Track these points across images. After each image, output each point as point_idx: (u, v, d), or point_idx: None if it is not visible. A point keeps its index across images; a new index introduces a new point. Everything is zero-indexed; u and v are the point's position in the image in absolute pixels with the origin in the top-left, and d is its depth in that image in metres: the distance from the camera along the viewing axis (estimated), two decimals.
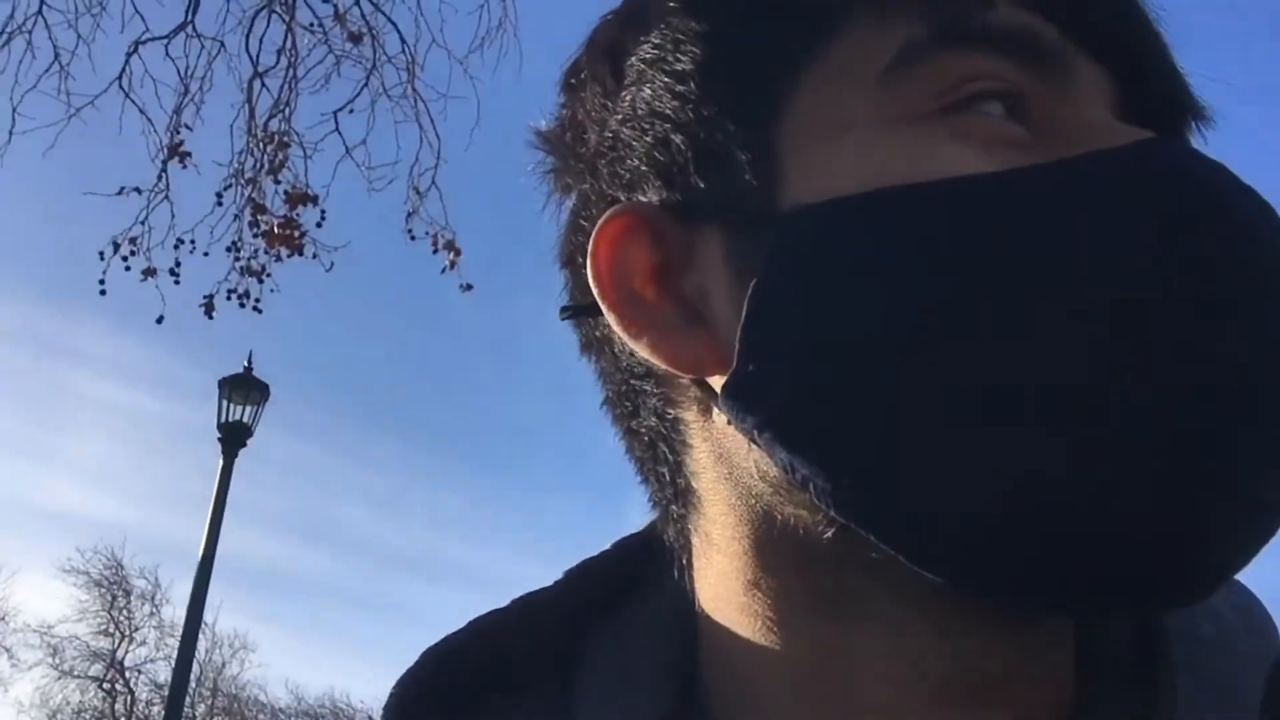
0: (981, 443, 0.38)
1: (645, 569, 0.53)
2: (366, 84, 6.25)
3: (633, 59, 0.49)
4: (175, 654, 9.67)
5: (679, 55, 0.47)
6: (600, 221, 0.48)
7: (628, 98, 0.49)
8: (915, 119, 0.42)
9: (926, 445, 0.39)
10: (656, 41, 0.48)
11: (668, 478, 0.49)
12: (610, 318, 0.48)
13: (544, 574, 0.55)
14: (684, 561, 0.50)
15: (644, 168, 0.48)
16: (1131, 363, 0.37)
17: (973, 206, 0.40)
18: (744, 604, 0.46)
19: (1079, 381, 0.38)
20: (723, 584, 0.48)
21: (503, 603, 0.54)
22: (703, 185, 0.46)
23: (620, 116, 0.49)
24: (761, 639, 0.46)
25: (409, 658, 0.52)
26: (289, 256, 6.37)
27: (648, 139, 0.48)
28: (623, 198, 0.49)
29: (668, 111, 0.47)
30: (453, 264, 6.60)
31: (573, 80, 0.53)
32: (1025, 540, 0.38)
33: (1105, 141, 0.42)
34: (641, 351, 0.47)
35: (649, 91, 0.48)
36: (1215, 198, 0.40)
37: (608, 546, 0.55)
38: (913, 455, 0.39)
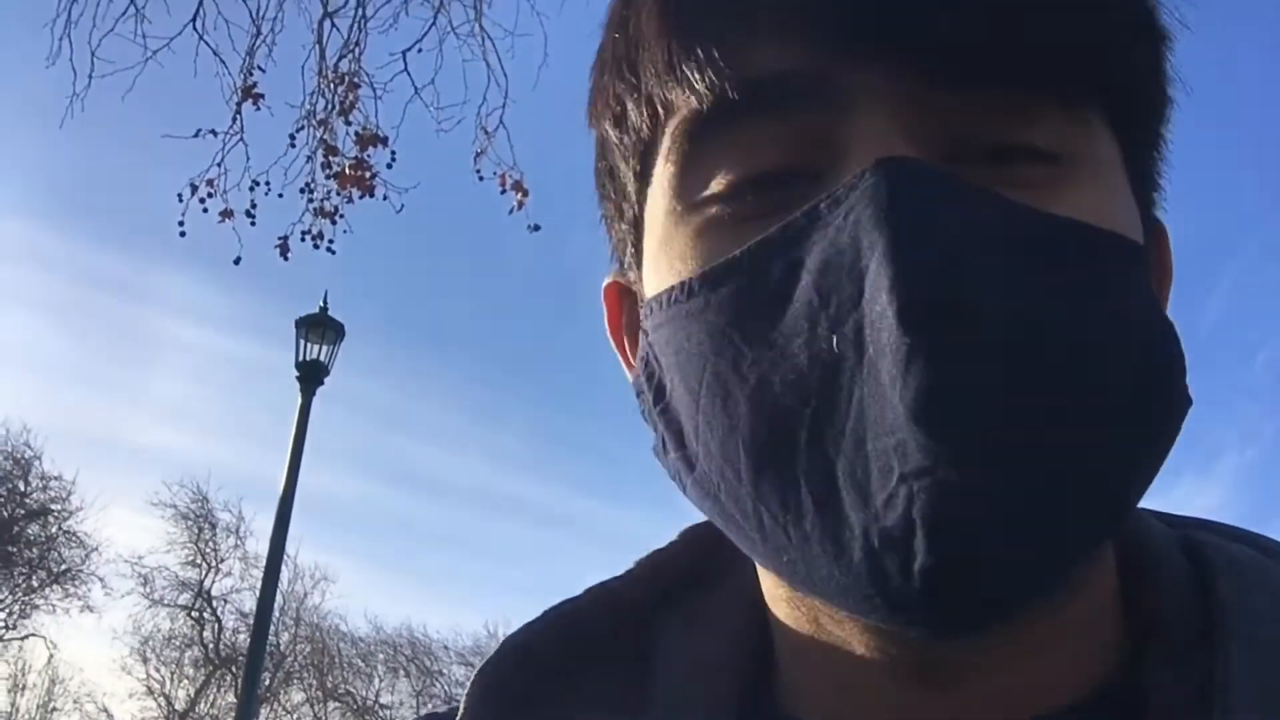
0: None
1: (712, 558, 0.55)
2: (434, 22, 6.24)
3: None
4: (259, 584, 9.98)
5: (595, 151, 0.54)
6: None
7: (594, 177, 0.56)
8: (696, 206, 0.46)
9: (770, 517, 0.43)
10: (591, 129, 0.54)
11: None
12: (623, 365, 0.55)
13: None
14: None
15: (608, 240, 0.55)
16: (808, 455, 0.41)
17: (679, 316, 0.46)
18: (774, 596, 0.50)
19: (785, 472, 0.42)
20: (762, 583, 0.52)
21: (569, 590, 0.56)
22: (625, 269, 0.52)
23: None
24: (792, 626, 0.49)
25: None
26: (360, 198, 6.42)
27: (603, 222, 0.55)
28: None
29: (601, 207, 0.54)
30: (520, 204, 6.61)
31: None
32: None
33: (849, 170, 0.42)
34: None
35: (596, 180, 0.55)
36: (850, 273, 0.40)
37: (674, 537, 0.57)
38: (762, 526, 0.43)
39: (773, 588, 0.50)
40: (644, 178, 0.49)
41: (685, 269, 0.46)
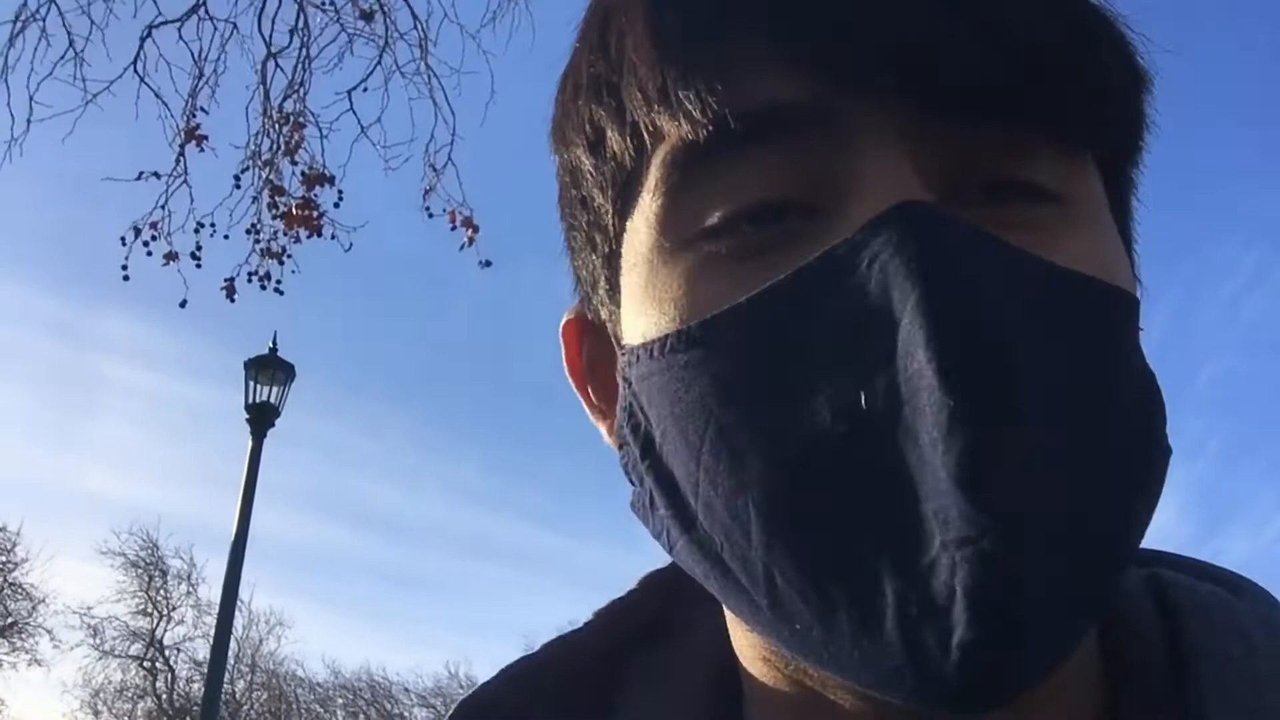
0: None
1: (673, 609, 0.54)
2: (379, 61, 6.23)
3: (556, 156, 0.52)
4: (213, 632, 9.80)
5: (561, 179, 0.51)
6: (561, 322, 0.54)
7: (559, 205, 0.53)
8: (685, 245, 0.43)
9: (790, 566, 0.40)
10: (556, 153, 0.51)
11: None
12: (583, 404, 0.53)
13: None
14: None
15: (573, 274, 0.53)
16: (815, 514, 0.39)
17: (674, 366, 0.43)
18: (750, 656, 0.48)
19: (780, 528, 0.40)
20: (733, 639, 0.49)
21: (525, 647, 0.55)
22: (595, 305, 0.50)
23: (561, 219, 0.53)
24: (770, 685, 0.47)
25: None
26: (308, 237, 6.37)
27: (568, 253, 0.52)
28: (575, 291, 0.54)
29: (567, 238, 0.51)
30: (471, 240, 6.60)
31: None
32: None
33: (861, 210, 0.40)
34: (603, 434, 0.52)
35: (560, 209, 0.52)
36: (876, 329, 0.38)
37: (634, 586, 0.56)
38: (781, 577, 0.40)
39: (748, 647, 0.47)
40: (623, 210, 0.46)
41: (679, 314, 0.43)
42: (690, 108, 0.42)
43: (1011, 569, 0.36)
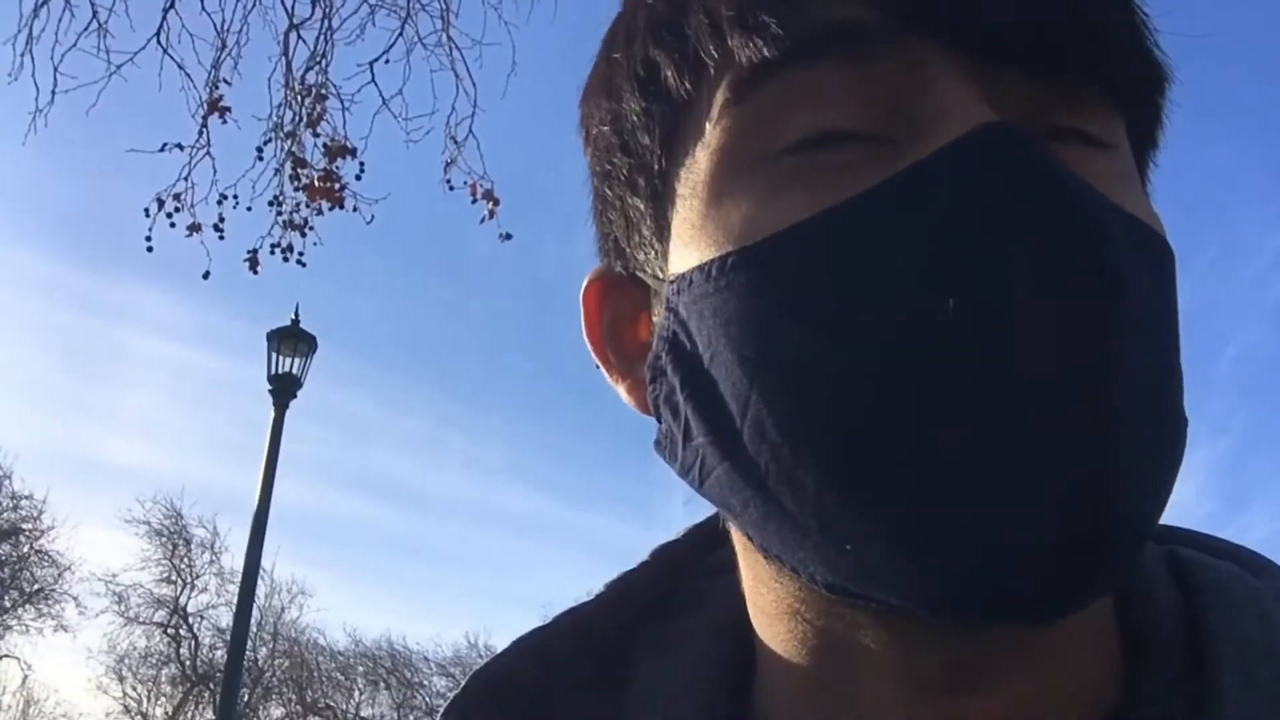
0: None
1: (685, 581, 0.55)
2: (401, 33, 6.21)
3: (585, 128, 0.53)
4: (236, 599, 9.91)
5: (601, 129, 0.51)
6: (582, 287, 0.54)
7: (587, 166, 0.53)
8: (753, 167, 0.43)
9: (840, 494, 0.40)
10: (592, 115, 0.52)
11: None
12: (601, 367, 0.53)
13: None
14: (737, 575, 0.51)
15: (599, 233, 0.53)
16: (914, 404, 0.38)
17: (744, 280, 0.42)
18: (773, 613, 0.47)
19: (882, 424, 0.39)
20: (752, 601, 0.49)
21: (543, 618, 0.54)
22: (629, 252, 0.50)
23: (588, 180, 0.54)
24: (793, 643, 0.47)
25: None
26: (330, 209, 6.39)
27: (597, 209, 0.53)
28: (599, 255, 0.54)
29: (599, 193, 0.52)
30: (491, 213, 6.60)
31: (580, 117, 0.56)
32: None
33: (948, 130, 0.41)
34: (621, 394, 0.52)
35: (593, 165, 0.52)
36: (976, 237, 0.38)
37: (646, 557, 0.56)
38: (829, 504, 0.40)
39: (774, 603, 0.47)
40: (672, 148, 0.47)
41: (743, 234, 0.43)
42: (764, 27, 0.43)
43: (1110, 478, 0.38)
